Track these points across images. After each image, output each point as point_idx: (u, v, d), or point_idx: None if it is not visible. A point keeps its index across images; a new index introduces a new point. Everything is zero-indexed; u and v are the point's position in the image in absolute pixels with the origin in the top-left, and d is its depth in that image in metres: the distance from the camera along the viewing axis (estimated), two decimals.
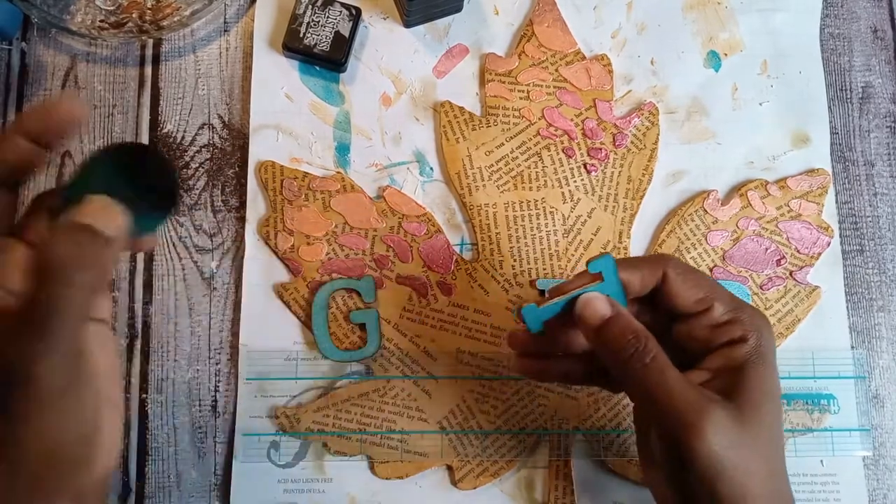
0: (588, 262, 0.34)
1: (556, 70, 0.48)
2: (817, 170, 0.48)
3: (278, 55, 0.48)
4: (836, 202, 0.48)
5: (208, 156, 0.47)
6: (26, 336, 0.24)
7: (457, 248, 0.46)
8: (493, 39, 0.49)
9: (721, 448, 0.29)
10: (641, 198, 0.47)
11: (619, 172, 0.47)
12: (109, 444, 0.27)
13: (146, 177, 0.29)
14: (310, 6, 0.46)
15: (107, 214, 0.26)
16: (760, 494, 0.30)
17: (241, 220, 0.46)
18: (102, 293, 0.29)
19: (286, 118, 0.47)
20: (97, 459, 0.27)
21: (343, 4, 0.47)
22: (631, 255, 0.46)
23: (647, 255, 0.35)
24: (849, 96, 0.50)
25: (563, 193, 0.47)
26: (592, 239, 0.46)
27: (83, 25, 0.47)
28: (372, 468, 0.43)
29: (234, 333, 0.45)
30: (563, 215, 0.46)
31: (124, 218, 0.27)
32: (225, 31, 0.49)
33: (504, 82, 0.48)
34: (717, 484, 0.30)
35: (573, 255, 0.46)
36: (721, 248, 0.46)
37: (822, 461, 0.44)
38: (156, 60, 0.48)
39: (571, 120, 0.47)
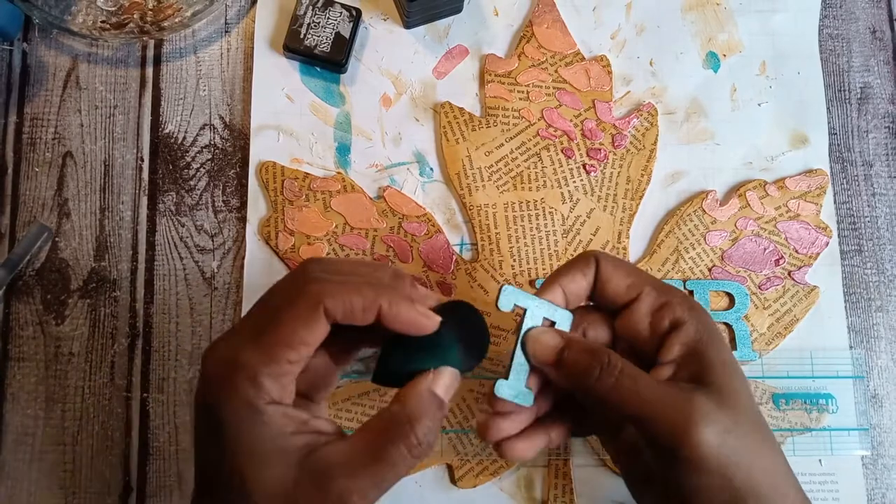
0: (496, 303, 0.32)
1: (556, 71, 0.48)
2: (816, 170, 0.48)
3: (279, 56, 0.48)
4: (835, 202, 0.48)
5: (209, 156, 0.47)
6: (362, 480, 0.27)
7: (457, 248, 0.46)
8: (493, 40, 0.49)
9: (719, 435, 0.29)
10: (640, 198, 0.47)
11: (619, 173, 0.47)
12: None
13: (466, 330, 0.32)
14: (310, 7, 0.47)
15: (453, 387, 0.31)
16: (759, 475, 0.29)
17: (242, 220, 0.46)
18: None
19: (287, 119, 0.47)
20: None
21: (343, 6, 0.47)
22: (627, 257, 0.46)
23: (570, 260, 0.35)
24: (847, 97, 0.50)
25: (562, 194, 0.47)
26: (592, 239, 0.46)
27: (84, 26, 0.47)
28: None
29: None
30: (562, 216, 0.47)
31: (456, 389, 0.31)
32: (226, 31, 0.49)
33: (504, 83, 0.48)
34: (730, 475, 0.29)
35: (572, 255, 0.46)
36: (720, 249, 0.46)
37: (820, 461, 0.45)
38: (157, 61, 0.48)
39: (571, 121, 0.48)
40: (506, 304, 0.32)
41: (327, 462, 0.27)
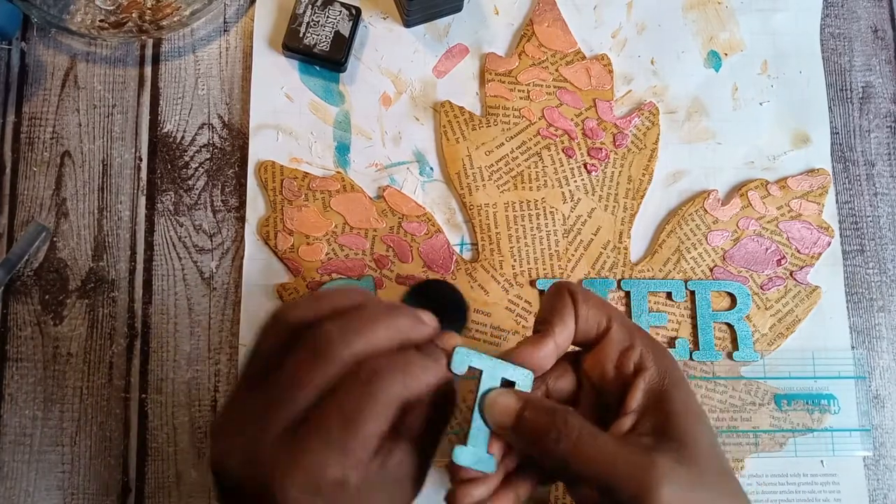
0: (451, 366, 0.30)
1: (557, 70, 0.48)
2: (817, 170, 0.48)
3: (278, 55, 0.48)
4: (837, 202, 0.48)
5: (208, 156, 0.47)
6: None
7: (457, 248, 0.46)
8: (493, 39, 0.49)
9: (682, 493, 0.27)
10: (642, 198, 0.47)
11: (620, 172, 0.47)
12: None
13: (441, 304, 0.33)
14: (310, 6, 0.46)
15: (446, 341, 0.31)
16: None
17: (241, 220, 0.46)
18: None
19: (286, 118, 0.47)
20: None
21: (343, 4, 0.47)
22: (629, 257, 0.46)
23: (548, 301, 0.33)
24: (849, 96, 0.50)
25: (563, 193, 0.47)
26: (592, 239, 0.46)
27: (83, 25, 0.47)
28: None
29: (234, 333, 0.45)
30: (563, 215, 0.46)
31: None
32: (225, 30, 0.49)
33: (504, 82, 0.48)
34: None
35: (573, 255, 0.46)
36: (721, 248, 0.46)
37: (822, 461, 0.44)
38: (155, 60, 0.48)
39: (571, 120, 0.47)
40: (459, 365, 0.30)
41: None
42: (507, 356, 0.31)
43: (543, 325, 0.32)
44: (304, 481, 0.26)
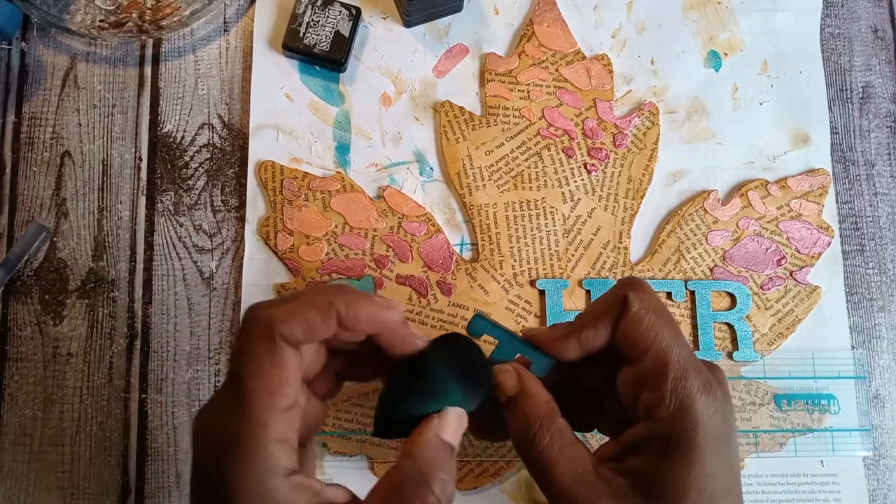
0: (468, 329, 0.31)
1: (557, 70, 0.48)
2: (817, 170, 0.48)
3: (278, 55, 0.48)
4: (837, 202, 0.48)
5: (208, 156, 0.47)
6: None
7: (457, 248, 0.46)
8: (493, 39, 0.49)
9: None
10: (642, 198, 0.47)
11: (620, 172, 0.47)
12: None
13: (463, 363, 0.30)
14: (310, 6, 0.46)
15: (461, 428, 0.28)
16: None
17: (241, 220, 0.46)
18: None
19: (286, 118, 0.47)
20: None
21: (343, 4, 0.47)
22: (628, 257, 0.46)
23: (604, 296, 0.31)
24: (849, 96, 0.50)
25: (563, 193, 0.47)
26: (592, 239, 0.46)
27: (83, 25, 0.47)
28: (372, 468, 0.43)
29: (234, 333, 0.45)
30: (563, 215, 0.46)
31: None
32: (225, 30, 0.49)
33: (504, 82, 0.48)
34: None
35: (573, 255, 0.46)
36: (721, 248, 0.46)
37: (822, 461, 0.44)
38: (155, 60, 0.48)
39: (571, 120, 0.47)
40: (477, 330, 0.31)
41: None
42: (530, 336, 0.32)
43: (579, 321, 0.31)
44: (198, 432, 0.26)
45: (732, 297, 0.46)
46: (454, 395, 0.29)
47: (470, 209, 0.46)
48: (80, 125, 0.47)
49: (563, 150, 0.47)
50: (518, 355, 0.32)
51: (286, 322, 0.25)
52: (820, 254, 0.47)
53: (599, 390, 0.32)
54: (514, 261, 0.46)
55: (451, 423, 0.28)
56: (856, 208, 0.48)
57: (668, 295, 0.46)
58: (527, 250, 0.46)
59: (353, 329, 0.27)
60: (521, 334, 0.33)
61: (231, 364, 0.27)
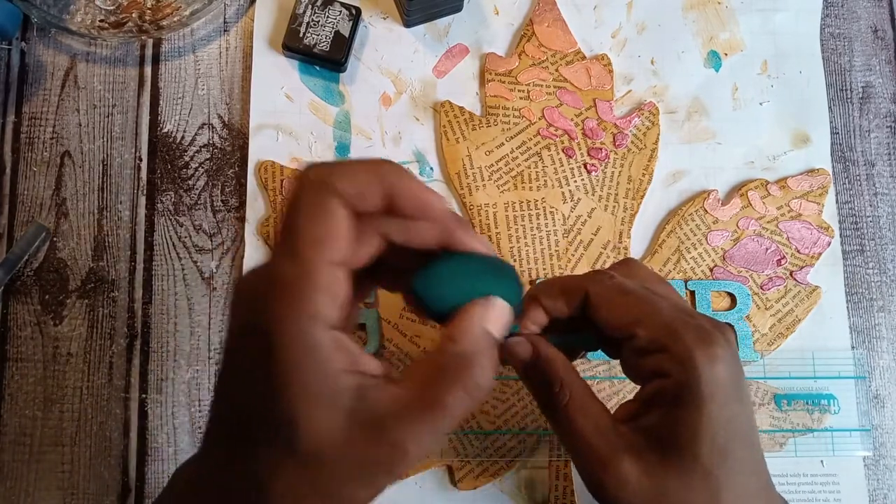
0: None
1: (557, 70, 0.48)
2: (817, 170, 0.48)
3: (278, 55, 0.48)
4: (837, 202, 0.48)
5: (208, 156, 0.47)
6: (416, 426, 0.24)
7: None
8: (493, 39, 0.49)
9: (630, 500, 0.27)
10: (642, 198, 0.47)
11: (620, 172, 0.47)
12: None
13: (499, 288, 0.28)
14: (310, 6, 0.46)
15: (504, 320, 0.27)
16: None
17: (241, 220, 0.46)
18: None
19: (286, 118, 0.47)
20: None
21: (343, 4, 0.47)
22: (629, 257, 0.46)
23: (570, 277, 0.33)
24: (849, 96, 0.50)
25: (563, 193, 0.47)
26: (592, 239, 0.46)
27: (83, 25, 0.47)
28: None
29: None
30: (563, 215, 0.46)
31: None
32: (225, 30, 0.49)
33: (504, 82, 0.48)
34: None
35: (573, 255, 0.46)
36: (721, 248, 0.46)
37: (822, 461, 0.44)
38: (155, 60, 0.48)
39: (571, 120, 0.47)
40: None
41: (379, 409, 0.24)
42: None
43: (540, 291, 0.32)
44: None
45: (732, 297, 0.46)
46: (498, 288, 0.28)
47: (470, 209, 0.46)
48: (80, 125, 0.47)
49: (563, 150, 0.47)
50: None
51: (340, 177, 0.25)
52: (820, 254, 0.47)
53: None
54: (514, 261, 0.46)
55: (497, 313, 0.27)
56: (856, 208, 0.48)
57: None
58: (527, 250, 0.46)
59: (400, 204, 0.26)
60: None
61: (281, 221, 0.26)
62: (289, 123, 0.47)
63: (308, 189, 0.25)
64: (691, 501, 0.27)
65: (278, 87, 0.47)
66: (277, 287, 0.24)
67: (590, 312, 0.31)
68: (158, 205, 0.46)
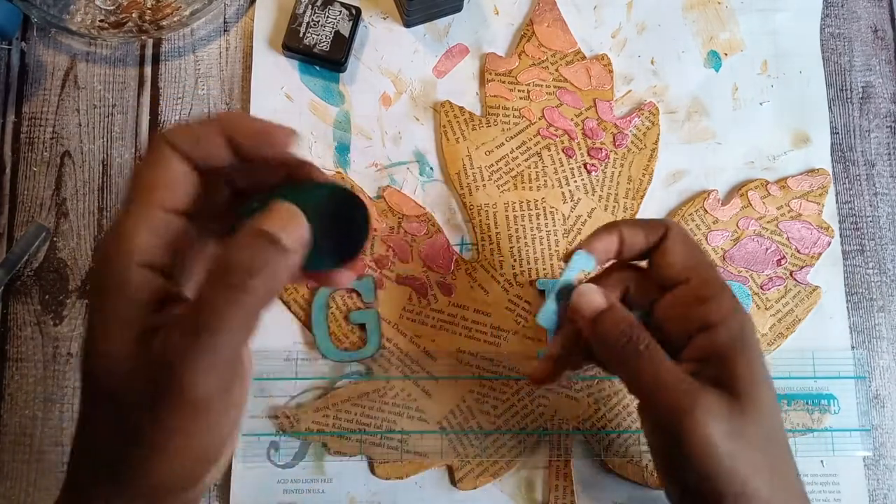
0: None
1: (557, 70, 0.48)
2: (817, 170, 0.48)
3: (278, 55, 0.48)
4: (837, 202, 0.48)
5: None
6: (188, 338, 0.23)
7: (457, 248, 0.46)
8: (493, 39, 0.49)
9: (717, 437, 0.29)
10: (642, 198, 0.47)
11: (620, 172, 0.47)
12: (223, 465, 0.27)
13: (340, 221, 0.28)
14: (310, 6, 0.46)
15: (290, 224, 0.26)
16: (761, 488, 0.29)
17: None
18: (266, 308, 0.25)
19: (286, 118, 0.47)
20: (209, 479, 0.27)
21: (343, 4, 0.47)
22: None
23: (643, 220, 0.35)
24: (849, 96, 0.50)
25: (563, 193, 0.47)
26: None
27: (83, 25, 0.47)
28: (372, 468, 0.43)
29: None
30: (563, 215, 0.46)
31: (306, 232, 0.26)
32: (225, 30, 0.49)
33: (504, 82, 0.48)
34: (717, 478, 0.29)
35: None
36: (721, 248, 0.46)
37: (822, 461, 0.44)
38: (155, 60, 0.48)
39: (571, 120, 0.47)
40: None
41: (162, 335, 0.24)
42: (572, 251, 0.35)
43: (620, 222, 0.35)
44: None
45: None
46: (338, 219, 0.27)
47: (470, 209, 0.46)
48: (80, 125, 0.47)
49: (563, 150, 0.47)
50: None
51: (177, 131, 0.26)
52: (820, 254, 0.47)
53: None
54: (514, 261, 0.46)
55: (280, 216, 0.26)
56: (856, 208, 0.48)
57: None
58: (527, 250, 0.46)
59: (243, 147, 0.26)
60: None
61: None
62: (289, 123, 0.47)
63: (149, 145, 0.27)
64: (762, 437, 0.30)
65: (278, 87, 0.47)
66: (108, 231, 0.26)
67: (656, 256, 0.33)
68: None
